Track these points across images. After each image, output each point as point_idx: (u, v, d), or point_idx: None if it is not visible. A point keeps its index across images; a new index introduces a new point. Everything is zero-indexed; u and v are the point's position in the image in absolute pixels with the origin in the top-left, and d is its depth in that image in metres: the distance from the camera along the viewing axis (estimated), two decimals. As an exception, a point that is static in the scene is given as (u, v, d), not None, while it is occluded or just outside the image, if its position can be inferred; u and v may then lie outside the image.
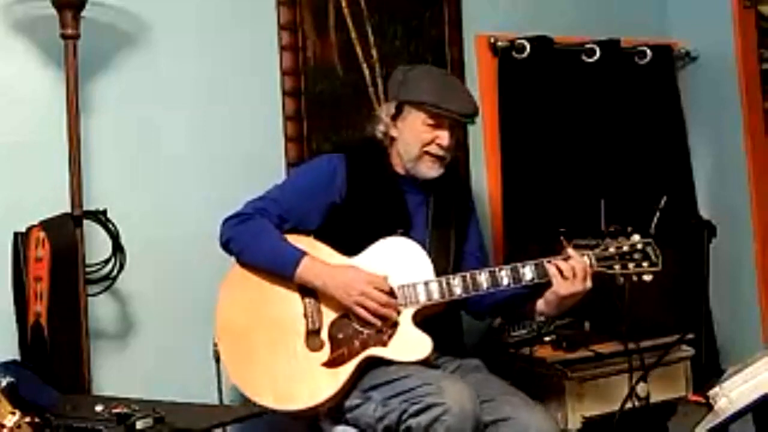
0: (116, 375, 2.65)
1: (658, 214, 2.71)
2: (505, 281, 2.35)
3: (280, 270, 2.36)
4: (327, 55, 3.04)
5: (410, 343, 2.32)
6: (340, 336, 2.34)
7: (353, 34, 3.08)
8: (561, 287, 2.31)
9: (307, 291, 2.38)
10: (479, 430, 2.17)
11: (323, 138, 3.00)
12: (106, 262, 2.59)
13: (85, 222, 2.54)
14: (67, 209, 2.51)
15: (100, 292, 2.60)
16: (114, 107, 2.71)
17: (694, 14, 3.63)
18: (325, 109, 3.02)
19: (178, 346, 2.75)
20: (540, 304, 2.40)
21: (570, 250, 2.35)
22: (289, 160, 2.96)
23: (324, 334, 2.34)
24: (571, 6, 3.52)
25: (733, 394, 2.15)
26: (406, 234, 2.43)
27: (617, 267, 2.36)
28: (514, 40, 3.30)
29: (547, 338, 2.85)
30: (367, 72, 3.09)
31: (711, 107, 3.59)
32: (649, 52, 3.48)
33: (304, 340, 2.34)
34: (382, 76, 3.07)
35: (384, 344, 2.33)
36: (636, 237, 2.37)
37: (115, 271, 2.59)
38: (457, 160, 2.84)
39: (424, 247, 2.41)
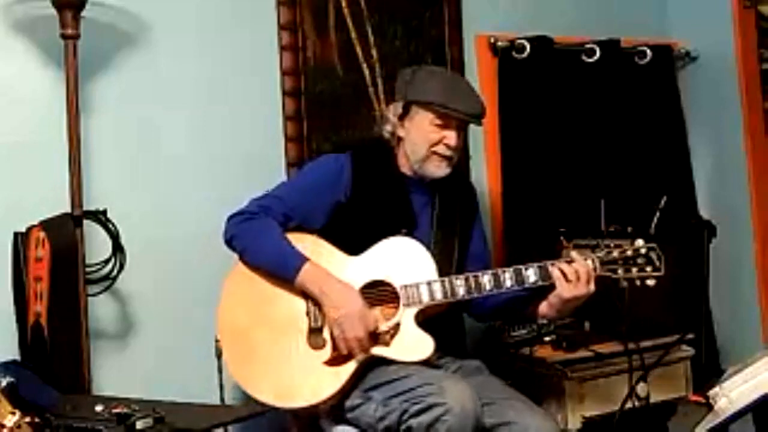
0: (116, 375, 2.65)
1: (658, 214, 2.72)
2: (508, 283, 2.34)
3: (281, 272, 2.36)
4: (327, 55, 3.04)
5: (412, 343, 2.32)
6: (333, 337, 2.34)
7: (353, 34, 3.08)
8: (564, 290, 2.31)
9: (310, 289, 2.38)
10: (480, 430, 2.17)
11: (323, 138, 3.00)
12: (106, 262, 2.59)
13: (85, 222, 2.54)
14: (67, 209, 2.51)
15: (100, 292, 2.60)
16: (114, 107, 2.71)
17: (694, 14, 3.63)
18: (325, 109, 3.02)
19: (178, 346, 2.75)
20: (543, 306, 2.40)
21: (573, 254, 2.34)
22: (289, 160, 2.96)
23: (326, 333, 2.34)
24: (571, 6, 3.52)
25: (733, 394, 2.15)
26: (410, 234, 2.42)
27: (620, 271, 2.36)
28: (514, 40, 3.30)
29: (547, 338, 2.85)
30: (367, 72, 3.09)
31: (711, 107, 3.59)
32: (649, 52, 3.48)
33: (306, 338, 2.34)
34: (382, 76, 3.08)
35: (386, 344, 2.33)
36: (640, 242, 2.37)
37: (115, 271, 2.59)
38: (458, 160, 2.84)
39: (427, 247, 2.41)
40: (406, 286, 2.35)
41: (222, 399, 2.44)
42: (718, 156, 3.60)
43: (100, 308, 2.66)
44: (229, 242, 2.43)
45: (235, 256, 2.43)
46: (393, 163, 2.52)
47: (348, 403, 2.32)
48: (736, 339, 3.47)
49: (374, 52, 3.10)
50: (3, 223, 2.48)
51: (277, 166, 2.93)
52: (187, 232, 2.77)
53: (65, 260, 2.43)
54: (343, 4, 3.06)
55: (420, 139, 2.45)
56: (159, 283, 2.74)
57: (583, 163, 3.37)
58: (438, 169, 2.46)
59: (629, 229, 2.66)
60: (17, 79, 2.60)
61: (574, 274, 2.31)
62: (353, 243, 2.40)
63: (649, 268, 2.35)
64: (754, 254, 3.50)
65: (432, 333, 2.32)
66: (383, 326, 2.33)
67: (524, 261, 2.38)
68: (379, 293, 2.38)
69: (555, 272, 2.32)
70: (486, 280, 2.35)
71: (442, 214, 2.53)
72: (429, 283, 2.35)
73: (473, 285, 2.34)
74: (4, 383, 2.10)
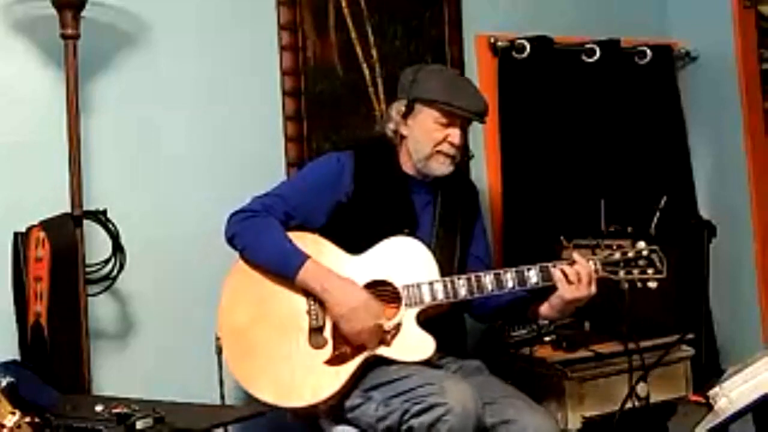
0: (116, 375, 2.65)
1: (658, 214, 2.72)
2: (510, 284, 2.34)
3: (282, 270, 2.36)
4: (327, 55, 3.04)
5: (413, 343, 2.32)
6: (343, 334, 2.34)
7: (353, 34, 3.08)
8: (566, 292, 2.31)
9: (311, 288, 2.38)
10: (481, 430, 2.17)
11: (323, 138, 3.00)
12: (106, 262, 2.59)
13: (85, 222, 2.53)
14: (67, 209, 2.51)
15: (100, 292, 2.59)
16: (114, 107, 2.71)
17: (694, 14, 3.63)
18: (325, 109, 3.02)
19: (178, 346, 2.75)
20: (544, 307, 2.40)
21: (575, 255, 2.34)
22: (289, 160, 2.96)
23: (327, 332, 2.34)
24: (571, 6, 3.52)
25: (733, 394, 2.15)
26: (412, 234, 2.43)
27: (622, 273, 2.36)
28: (514, 40, 3.30)
29: (547, 338, 2.85)
30: (367, 72, 3.09)
31: (711, 107, 3.59)
32: (649, 52, 3.48)
33: (306, 337, 2.34)
34: (382, 76, 3.08)
35: (387, 343, 2.33)
36: (642, 243, 2.37)
37: (115, 271, 2.59)
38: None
39: (429, 247, 2.41)
40: (407, 286, 2.35)
41: (222, 399, 2.45)
42: (718, 156, 3.60)
43: (100, 308, 2.66)
44: (231, 240, 2.43)
45: (236, 255, 2.43)
46: (395, 162, 2.53)
47: (348, 403, 2.32)
48: (736, 339, 3.47)
49: (374, 52, 3.10)
50: (3, 223, 2.48)
51: (277, 166, 2.93)
52: (187, 232, 2.77)
53: (65, 260, 2.43)
54: (343, 4, 3.06)
55: (424, 138, 2.45)
56: (159, 283, 2.74)
57: (583, 163, 3.37)
58: (442, 168, 2.46)
59: (629, 229, 2.66)
60: (17, 79, 2.60)
61: (575, 276, 2.31)
62: (354, 242, 2.40)
63: (650, 271, 2.35)
64: (754, 254, 3.50)
65: (433, 333, 2.32)
66: (387, 324, 2.32)
67: (524, 261, 2.38)
68: (380, 293, 2.38)
69: (557, 273, 2.32)
70: (488, 280, 2.35)
71: (443, 214, 2.53)
72: (431, 283, 2.35)
73: (475, 285, 2.34)
74: (4, 383, 2.10)
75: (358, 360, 2.32)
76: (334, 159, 2.52)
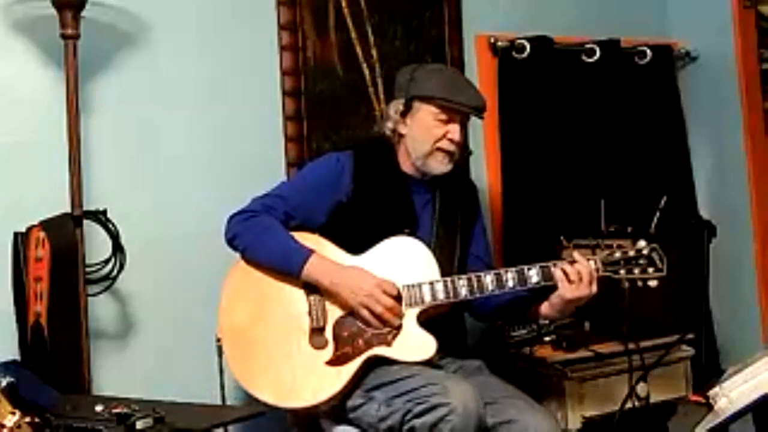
0: (116, 375, 2.65)
1: (658, 214, 2.72)
2: (511, 283, 2.34)
3: (286, 268, 2.36)
4: (327, 55, 3.04)
5: (414, 343, 2.32)
6: (345, 334, 2.34)
7: (353, 34, 3.08)
8: (566, 291, 2.31)
9: (311, 289, 2.37)
10: (482, 430, 2.17)
11: (323, 138, 3.00)
12: (106, 262, 2.59)
13: (85, 222, 2.53)
14: (67, 209, 2.51)
15: (100, 292, 2.59)
16: (114, 107, 2.71)
17: (694, 14, 3.64)
18: (325, 109, 3.02)
19: (178, 346, 2.75)
20: (544, 307, 2.40)
21: (576, 254, 2.34)
22: (289, 160, 2.96)
23: (328, 333, 2.34)
24: (571, 6, 3.52)
25: (733, 394, 2.15)
26: (412, 233, 2.42)
27: (622, 272, 2.36)
28: (514, 40, 3.30)
29: (547, 338, 2.85)
30: (367, 72, 3.09)
31: (711, 107, 3.59)
32: (649, 52, 3.48)
33: (308, 338, 2.34)
34: (382, 76, 3.08)
35: (388, 344, 2.33)
36: (642, 242, 2.36)
37: (115, 271, 2.59)
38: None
39: (429, 247, 2.41)
40: (408, 286, 2.35)
41: (223, 399, 2.45)
42: (718, 156, 3.60)
43: (100, 308, 2.66)
44: (231, 241, 2.43)
45: (236, 255, 2.43)
46: (394, 162, 2.52)
47: (350, 403, 2.32)
48: (736, 339, 3.47)
49: (374, 52, 3.10)
50: (3, 223, 2.48)
51: (277, 166, 2.93)
52: (187, 232, 2.77)
53: (65, 260, 2.43)
54: (343, 4, 3.06)
55: (423, 135, 2.46)
56: (159, 283, 2.74)
57: (583, 163, 3.37)
58: (441, 165, 2.46)
59: (629, 229, 2.66)
60: (17, 79, 2.60)
61: (576, 275, 2.30)
62: (354, 242, 2.40)
63: (651, 269, 2.35)
64: (754, 254, 3.50)
65: (433, 333, 2.32)
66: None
67: (524, 261, 2.38)
68: (380, 293, 2.38)
69: (557, 273, 2.32)
70: (488, 280, 2.35)
71: (443, 213, 2.53)
72: (431, 283, 2.35)
73: (476, 285, 2.34)
74: (4, 383, 2.10)
75: (359, 360, 2.32)
76: (333, 159, 2.52)
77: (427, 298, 2.34)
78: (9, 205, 2.53)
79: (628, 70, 3.47)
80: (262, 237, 2.38)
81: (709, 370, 2.94)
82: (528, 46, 3.28)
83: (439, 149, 2.45)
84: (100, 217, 2.57)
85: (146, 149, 2.77)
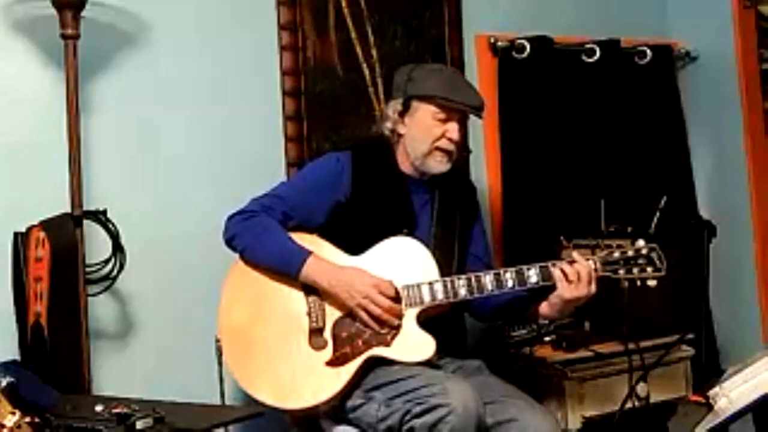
0: (116, 375, 2.65)
1: (658, 214, 2.72)
2: (510, 283, 2.34)
3: (284, 269, 2.36)
4: (327, 55, 3.04)
5: (414, 344, 2.32)
6: (344, 335, 2.34)
7: (353, 34, 3.08)
8: (565, 291, 2.31)
9: (310, 289, 2.37)
10: (482, 430, 2.17)
11: (323, 138, 3.00)
12: (106, 262, 2.59)
13: (85, 222, 2.53)
14: (67, 209, 2.51)
15: (100, 292, 2.59)
16: (114, 107, 2.71)
17: (694, 14, 3.63)
18: (325, 109, 3.02)
19: (178, 346, 2.75)
20: (543, 307, 2.40)
21: (575, 254, 2.34)
22: (289, 160, 2.96)
23: (327, 333, 2.34)
24: (571, 6, 3.52)
25: (733, 394, 2.15)
26: (411, 234, 2.42)
27: (622, 272, 2.36)
28: (514, 40, 3.30)
29: (547, 338, 2.85)
30: (367, 72, 3.09)
31: (711, 107, 3.59)
32: (649, 52, 3.48)
33: (307, 339, 2.34)
34: (382, 76, 3.08)
35: (387, 344, 2.33)
36: (641, 242, 2.36)
37: (115, 271, 2.59)
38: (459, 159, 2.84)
39: (428, 247, 2.41)
40: (407, 287, 2.35)
41: (222, 399, 2.45)
42: (718, 156, 3.60)
43: (100, 308, 2.66)
44: (230, 241, 2.43)
45: (236, 255, 2.43)
46: (393, 162, 2.52)
47: (350, 404, 2.32)
48: (736, 339, 3.47)
49: (374, 52, 3.10)
50: (3, 223, 2.48)
51: (277, 166, 2.93)
52: (187, 232, 2.77)
53: (65, 260, 2.43)
54: (343, 4, 3.06)
55: (422, 135, 2.45)
56: (159, 283, 2.74)
57: (583, 163, 3.37)
58: (439, 165, 2.46)
59: (629, 229, 2.66)
60: (17, 79, 2.60)
61: (575, 275, 2.30)
62: (353, 243, 2.40)
63: (650, 269, 2.35)
64: (754, 254, 3.50)
65: (433, 333, 2.32)
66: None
67: (524, 261, 2.38)
68: (379, 293, 2.38)
69: (556, 273, 2.32)
70: (488, 280, 2.35)
71: (442, 213, 2.52)
72: (430, 284, 2.35)
73: (475, 285, 2.34)
74: (4, 383, 2.10)
75: (358, 361, 2.32)
76: (332, 159, 2.52)
77: (427, 299, 2.34)
78: (9, 205, 2.53)
79: (628, 70, 3.47)
80: (261, 237, 2.38)
81: (709, 370, 2.94)
82: (528, 46, 3.28)
83: (437, 149, 2.45)
84: (100, 217, 2.57)
85: (146, 149, 2.77)
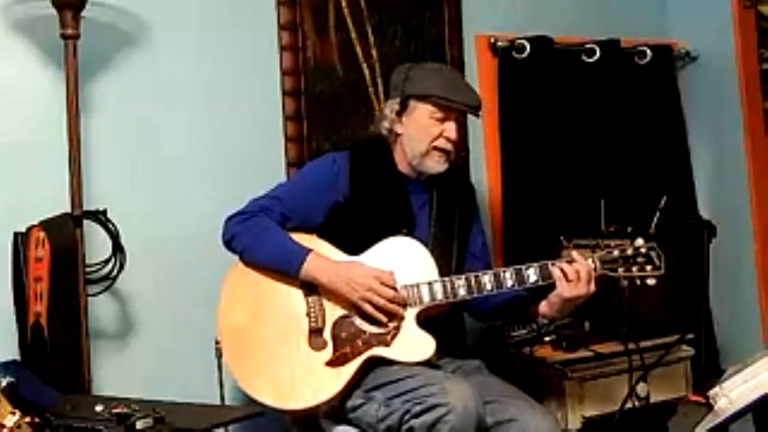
0: (116, 375, 2.65)
1: (658, 214, 2.72)
2: (509, 283, 2.34)
3: (284, 267, 2.36)
4: (327, 55, 3.04)
5: (413, 344, 2.32)
6: (343, 335, 2.34)
7: (353, 34, 3.08)
8: (564, 290, 2.31)
9: (310, 290, 2.37)
10: (482, 430, 2.17)
11: (323, 138, 3.00)
12: (106, 262, 2.59)
13: (85, 222, 2.54)
14: (67, 209, 2.51)
15: (100, 292, 2.60)
16: (114, 107, 2.71)
17: (694, 14, 3.64)
18: (325, 109, 3.02)
19: (178, 346, 2.75)
20: (542, 306, 2.40)
21: (574, 253, 2.34)
22: (289, 160, 2.96)
23: (327, 334, 2.34)
24: (571, 6, 3.53)
25: (733, 394, 2.15)
26: (410, 234, 2.42)
27: (621, 270, 2.36)
28: (514, 40, 3.30)
29: (547, 338, 2.84)
30: (367, 72, 3.09)
31: (711, 107, 3.60)
32: (649, 52, 3.48)
33: (306, 339, 2.34)
34: (382, 76, 3.08)
35: (387, 344, 2.33)
36: (640, 241, 2.36)
37: (115, 271, 2.59)
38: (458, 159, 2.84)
39: (426, 247, 2.41)
40: (407, 287, 2.35)
41: (222, 399, 2.45)
42: (718, 156, 3.60)
43: (100, 308, 2.66)
44: (229, 243, 2.43)
45: (235, 256, 2.43)
46: (391, 162, 2.52)
47: (349, 404, 2.32)
48: (736, 339, 3.47)
49: (374, 52, 3.10)
50: (3, 223, 2.48)
51: (277, 166, 2.93)
52: (187, 232, 2.77)
53: (65, 260, 2.43)
54: (343, 4, 3.06)
55: (420, 134, 2.45)
56: (159, 283, 2.74)
57: (583, 163, 3.37)
58: (437, 165, 2.46)
59: (629, 229, 2.66)
60: (17, 79, 2.60)
61: (574, 274, 2.30)
62: (352, 243, 2.40)
63: (649, 267, 2.35)
64: (754, 254, 3.50)
65: (432, 333, 2.32)
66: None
67: (524, 261, 2.38)
68: (379, 293, 2.38)
69: (555, 272, 2.32)
70: (487, 280, 2.35)
71: (440, 213, 2.52)
72: (430, 284, 2.35)
73: (474, 285, 2.34)
74: (4, 383, 2.10)
75: (358, 361, 2.32)
76: (330, 160, 2.52)
77: (426, 299, 2.34)
78: (9, 205, 2.53)
79: (628, 70, 3.47)
80: (260, 238, 2.38)
81: (709, 370, 2.94)
82: (528, 46, 3.28)
83: (435, 148, 2.45)
84: (100, 217, 2.57)
85: (146, 149, 2.77)
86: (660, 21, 3.71)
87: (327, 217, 2.45)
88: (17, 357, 2.42)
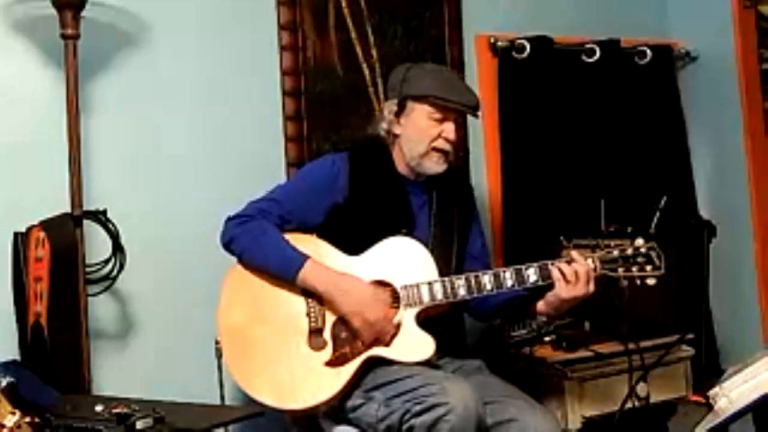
0: (116, 375, 2.65)
1: (658, 214, 2.71)
2: (509, 283, 2.34)
3: (281, 273, 2.36)
4: (327, 55, 3.04)
5: (413, 344, 2.32)
6: (343, 335, 2.34)
7: (353, 34, 3.08)
8: (562, 291, 2.31)
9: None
10: (482, 430, 2.17)
11: (323, 138, 3.00)
12: (106, 262, 2.59)
13: (85, 222, 2.54)
14: (67, 209, 2.51)
15: (100, 292, 2.60)
16: (114, 107, 2.71)
17: (694, 14, 3.64)
18: (325, 109, 3.02)
19: (178, 346, 2.75)
20: (540, 304, 2.40)
21: (574, 254, 2.34)
22: (289, 160, 2.96)
23: (326, 334, 2.34)
24: (571, 6, 3.53)
25: (733, 394, 2.15)
26: (409, 234, 2.42)
27: (620, 270, 2.36)
28: (514, 40, 3.30)
29: (547, 338, 2.84)
30: (367, 72, 3.09)
31: (711, 107, 3.60)
32: (649, 52, 3.48)
33: (306, 339, 2.34)
34: (382, 76, 3.07)
35: (387, 344, 2.33)
36: (640, 240, 2.36)
37: (115, 271, 2.59)
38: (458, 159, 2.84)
39: (426, 247, 2.41)
40: (406, 287, 2.35)
41: (222, 399, 2.45)
42: (718, 156, 3.60)
43: (100, 308, 2.66)
44: (228, 245, 2.43)
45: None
46: (390, 163, 2.52)
47: (349, 404, 2.32)
48: (736, 339, 3.47)
49: (374, 52, 3.10)
50: (3, 223, 2.48)
51: (277, 166, 2.93)
52: (187, 232, 2.77)
53: (65, 260, 2.43)
54: (343, 4, 3.06)
55: (418, 135, 2.45)
56: (159, 283, 2.74)
57: (583, 163, 3.37)
58: (436, 165, 2.46)
59: (629, 229, 2.66)
60: (17, 79, 2.60)
61: (573, 275, 2.30)
62: (351, 244, 2.40)
63: (649, 267, 2.35)
64: (754, 254, 3.50)
65: (432, 333, 2.32)
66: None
67: (524, 261, 2.38)
68: (379, 294, 2.38)
69: (555, 272, 2.32)
70: (486, 280, 2.35)
71: (439, 214, 2.52)
72: (429, 284, 2.35)
73: (474, 285, 2.34)
74: (4, 383, 2.10)
75: (358, 361, 2.32)
76: (329, 161, 2.52)
77: (426, 299, 2.34)
78: (9, 205, 2.53)
79: (628, 70, 3.47)
80: (258, 241, 2.38)
81: (709, 370, 2.94)
82: (528, 46, 3.28)
83: (434, 149, 2.45)
84: (100, 217, 2.57)
85: (146, 149, 2.77)
86: (660, 21, 3.71)
87: (327, 217, 2.45)
88: (17, 357, 2.42)
